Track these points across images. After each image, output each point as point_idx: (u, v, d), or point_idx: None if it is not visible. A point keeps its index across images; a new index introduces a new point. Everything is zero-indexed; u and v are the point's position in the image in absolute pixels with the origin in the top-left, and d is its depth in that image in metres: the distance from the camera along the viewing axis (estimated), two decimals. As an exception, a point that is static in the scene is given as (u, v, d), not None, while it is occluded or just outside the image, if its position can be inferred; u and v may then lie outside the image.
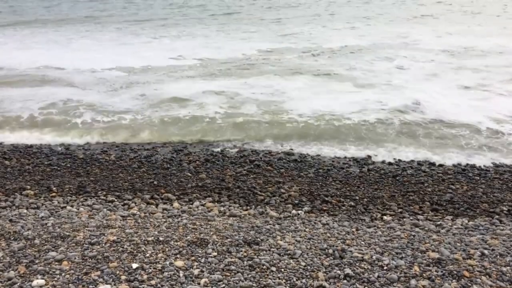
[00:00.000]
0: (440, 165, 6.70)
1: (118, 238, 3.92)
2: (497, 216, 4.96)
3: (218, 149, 7.43)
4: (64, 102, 9.74)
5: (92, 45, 17.52)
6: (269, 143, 7.64)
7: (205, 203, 5.26)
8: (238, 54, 15.32)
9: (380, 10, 28.68)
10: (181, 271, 3.41)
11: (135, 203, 5.24)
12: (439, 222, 4.75)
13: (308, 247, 3.86)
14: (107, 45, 17.56)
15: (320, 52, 15.60)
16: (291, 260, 3.61)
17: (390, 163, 6.82)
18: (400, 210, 5.17)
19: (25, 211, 4.83)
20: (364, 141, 7.55)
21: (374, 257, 3.67)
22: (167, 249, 3.74)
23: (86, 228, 4.19)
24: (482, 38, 17.01)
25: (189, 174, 6.35)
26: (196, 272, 3.40)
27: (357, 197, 5.53)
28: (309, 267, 3.51)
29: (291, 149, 7.35)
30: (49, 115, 8.98)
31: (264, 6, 31.44)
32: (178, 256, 3.65)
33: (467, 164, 6.74)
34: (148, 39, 18.98)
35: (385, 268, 3.52)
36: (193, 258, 3.62)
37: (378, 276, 3.39)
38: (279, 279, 3.34)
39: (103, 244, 3.81)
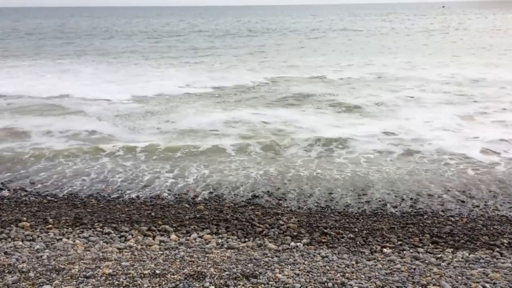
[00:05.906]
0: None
1: (113, 271, 3.85)
2: (497, 249, 4.91)
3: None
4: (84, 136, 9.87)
5: (105, 73, 18.50)
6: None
7: (202, 235, 5.20)
8: (246, 82, 16.12)
9: (384, 43, 29.48)
10: (177, 306, 3.34)
11: (132, 235, 5.19)
12: (439, 255, 4.69)
13: (307, 280, 3.79)
14: (120, 74, 18.46)
15: (327, 82, 16.10)
16: (290, 294, 3.54)
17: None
18: (400, 242, 5.12)
19: (21, 243, 4.76)
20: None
21: (374, 291, 3.61)
22: (163, 283, 3.67)
23: (82, 261, 4.12)
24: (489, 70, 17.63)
25: (187, 205, 6.31)
26: (193, 306, 3.33)
27: (356, 229, 5.48)
28: (308, 302, 3.44)
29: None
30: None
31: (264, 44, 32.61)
32: (174, 289, 3.58)
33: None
34: (159, 67, 20.21)
35: (385, 302, 3.45)
36: (190, 292, 3.55)
37: (379, 311, 3.32)
38: (278, 314, 3.28)
39: (99, 278, 3.75)
